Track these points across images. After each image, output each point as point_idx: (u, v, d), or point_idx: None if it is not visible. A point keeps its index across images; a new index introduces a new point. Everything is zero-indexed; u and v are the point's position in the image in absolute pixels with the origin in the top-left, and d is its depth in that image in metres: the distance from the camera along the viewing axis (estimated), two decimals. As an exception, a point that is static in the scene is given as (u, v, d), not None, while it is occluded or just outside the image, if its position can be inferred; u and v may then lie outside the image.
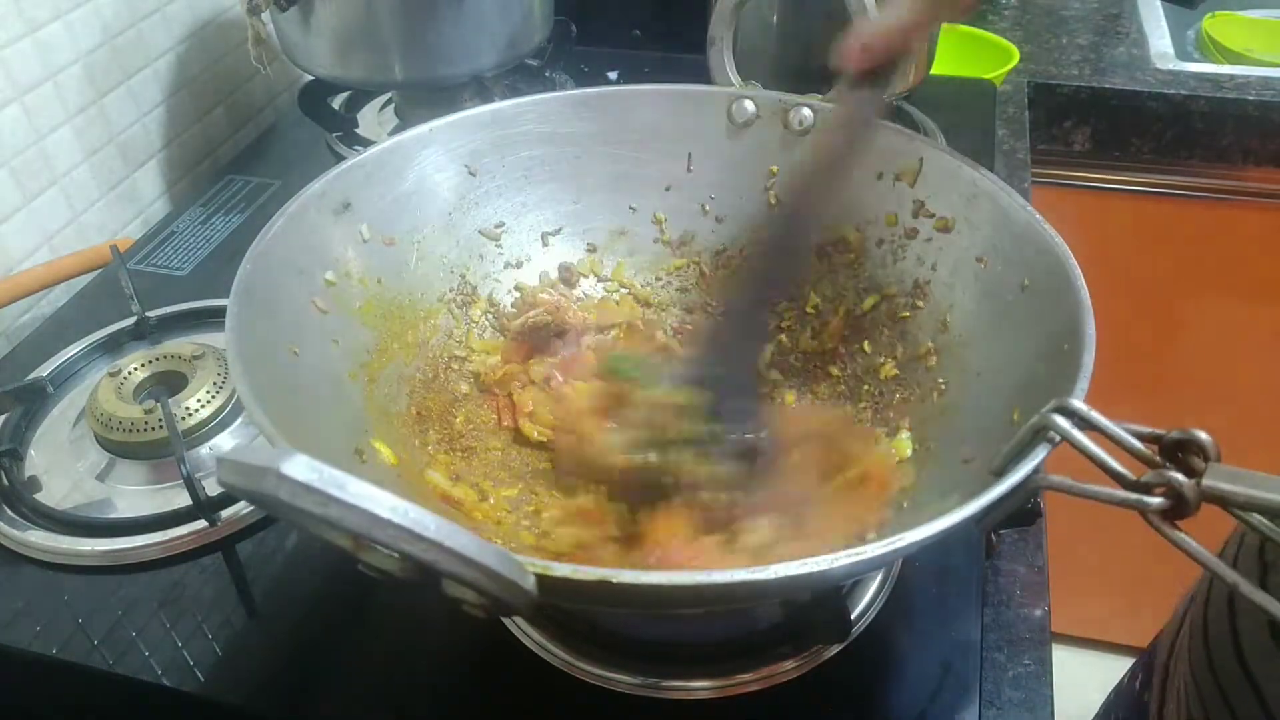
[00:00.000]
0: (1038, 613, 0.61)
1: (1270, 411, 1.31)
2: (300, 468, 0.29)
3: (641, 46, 1.21)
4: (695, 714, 0.54)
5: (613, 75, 1.15)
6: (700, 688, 0.54)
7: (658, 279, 0.74)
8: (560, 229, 0.72)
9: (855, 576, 0.56)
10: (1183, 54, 1.29)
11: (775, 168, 0.70)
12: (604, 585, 0.37)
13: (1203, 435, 0.35)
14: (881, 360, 0.64)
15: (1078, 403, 0.39)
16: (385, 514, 0.30)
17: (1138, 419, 0.38)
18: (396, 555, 0.31)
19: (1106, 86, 1.21)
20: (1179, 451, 0.36)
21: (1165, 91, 1.19)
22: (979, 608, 0.59)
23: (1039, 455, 0.41)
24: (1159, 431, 0.37)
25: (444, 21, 0.91)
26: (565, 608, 0.57)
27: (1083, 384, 0.45)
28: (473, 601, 0.34)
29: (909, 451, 0.58)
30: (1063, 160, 1.26)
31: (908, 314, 0.64)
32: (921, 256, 0.64)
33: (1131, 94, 1.20)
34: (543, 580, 0.35)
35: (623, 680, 0.54)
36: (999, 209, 0.59)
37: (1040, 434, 0.40)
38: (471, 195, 0.70)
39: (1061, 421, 0.39)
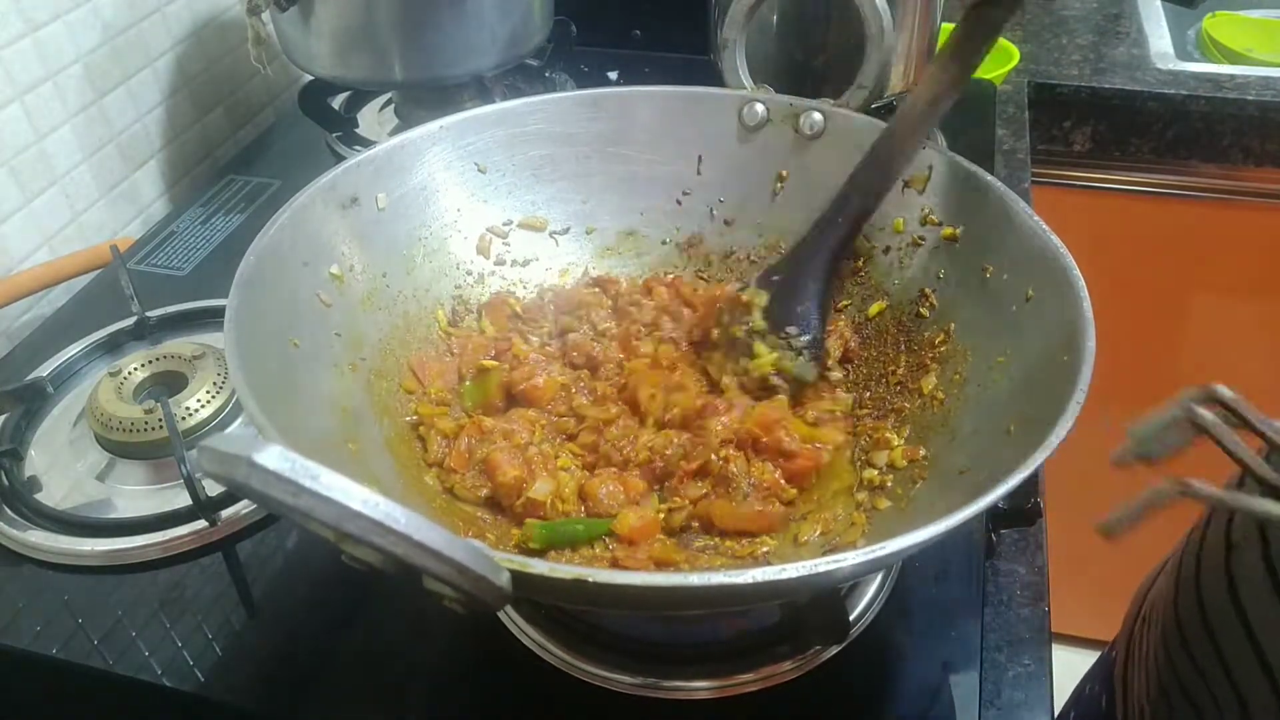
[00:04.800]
0: (1038, 613, 0.61)
1: (1270, 411, 1.30)
2: (273, 457, 0.29)
3: (641, 47, 1.21)
4: (695, 714, 0.54)
5: (613, 75, 1.15)
6: (700, 688, 0.54)
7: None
8: (569, 228, 0.72)
9: (841, 583, 0.55)
10: (1183, 54, 1.29)
11: (785, 171, 0.70)
12: (579, 584, 0.37)
13: None
14: (884, 367, 0.64)
15: (1226, 391, 0.35)
16: (356, 506, 0.30)
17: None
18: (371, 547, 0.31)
19: (1106, 86, 1.20)
20: None
21: (1165, 91, 1.18)
22: (979, 608, 0.59)
23: (1038, 460, 0.40)
24: None
25: (444, 21, 0.91)
26: (565, 606, 0.57)
27: (1079, 397, 0.44)
28: (451, 596, 0.34)
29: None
30: (1063, 160, 1.26)
31: (912, 322, 0.64)
32: (928, 264, 0.64)
33: (1131, 94, 1.19)
34: (518, 577, 0.35)
35: (622, 680, 0.54)
36: (1007, 218, 0.59)
37: (1175, 425, 0.36)
38: (480, 193, 0.70)
39: (1206, 414, 0.34)
